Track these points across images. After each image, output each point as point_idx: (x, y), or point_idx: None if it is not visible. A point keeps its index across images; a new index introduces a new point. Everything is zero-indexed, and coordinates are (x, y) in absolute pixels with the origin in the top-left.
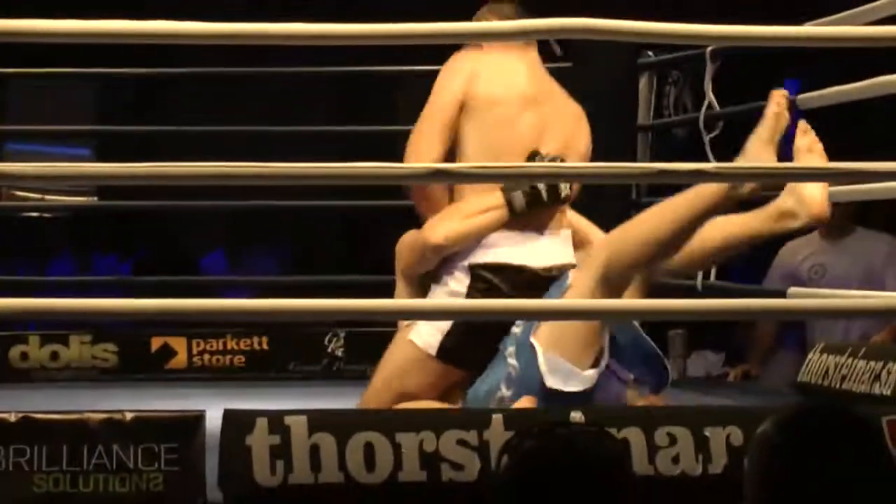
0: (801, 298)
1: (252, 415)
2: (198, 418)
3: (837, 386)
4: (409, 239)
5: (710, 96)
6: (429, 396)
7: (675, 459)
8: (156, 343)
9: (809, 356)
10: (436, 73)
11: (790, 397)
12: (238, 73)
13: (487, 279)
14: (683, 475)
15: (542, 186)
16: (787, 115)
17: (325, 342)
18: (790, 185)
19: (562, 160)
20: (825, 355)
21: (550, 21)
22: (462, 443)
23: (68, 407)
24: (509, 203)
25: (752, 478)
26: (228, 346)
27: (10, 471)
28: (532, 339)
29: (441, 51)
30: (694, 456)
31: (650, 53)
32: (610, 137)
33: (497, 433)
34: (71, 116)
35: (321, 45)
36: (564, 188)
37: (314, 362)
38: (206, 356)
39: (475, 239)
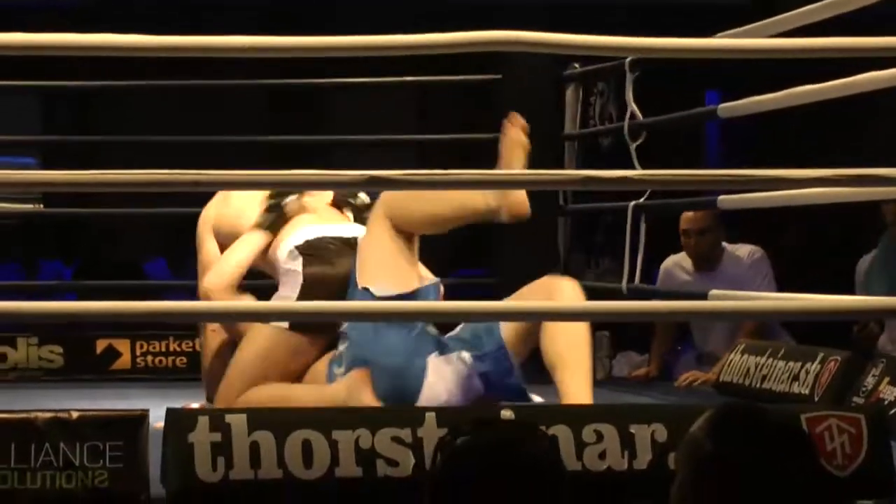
0: (722, 301)
1: (194, 413)
2: (141, 417)
3: (758, 385)
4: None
5: (633, 106)
6: (283, 379)
7: (602, 455)
8: (101, 345)
9: (730, 356)
10: (370, 85)
11: (711, 396)
12: (177, 86)
13: (310, 252)
14: (610, 470)
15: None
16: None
17: None
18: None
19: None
20: (746, 356)
21: (481, 34)
22: (397, 439)
23: (16, 406)
24: (259, 225)
25: (683, 482)
26: (171, 348)
27: None
28: (363, 285)
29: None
30: (620, 452)
31: (576, 65)
32: (537, 147)
33: (430, 430)
34: (17, 127)
35: (261, 57)
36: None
37: None
38: (150, 357)
39: (242, 267)
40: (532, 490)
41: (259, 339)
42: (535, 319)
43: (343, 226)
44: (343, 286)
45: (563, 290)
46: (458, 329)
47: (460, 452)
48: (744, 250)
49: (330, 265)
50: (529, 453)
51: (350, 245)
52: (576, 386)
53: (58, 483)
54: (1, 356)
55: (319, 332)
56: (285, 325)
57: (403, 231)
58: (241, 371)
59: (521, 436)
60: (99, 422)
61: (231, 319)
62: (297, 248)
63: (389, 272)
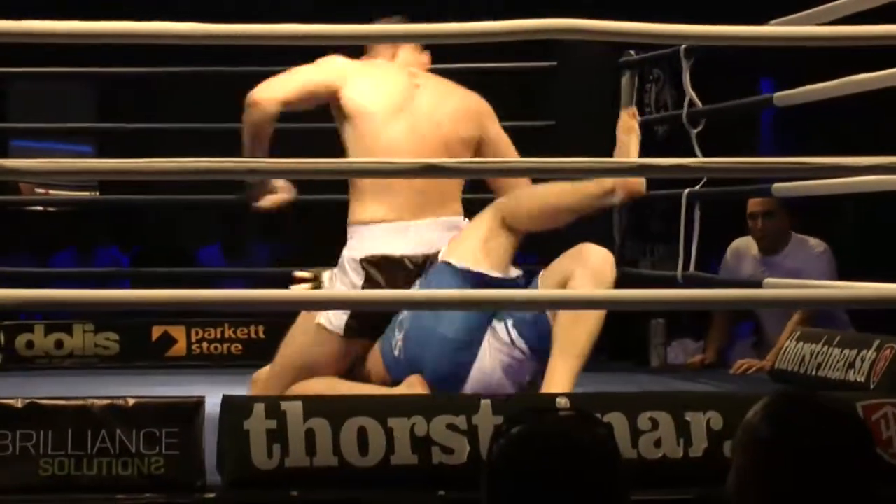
0: (777, 289)
1: (250, 400)
2: (197, 404)
3: (813, 373)
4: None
5: (691, 93)
6: (329, 372)
7: (657, 443)
8: (156, 332)
9: (786, 345)
10: None
11: (767, 384)
12: (235, 73)
13: (370, 273)
14: (665, 458)
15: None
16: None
17: None
18: None
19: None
20: (801, 343)
21: (538, 21)
22: (452, 427)
23: (73, 393)
24: None
25: (740, 470)
26: (226, 335)
27: (16, 455)
28: (444, 259)
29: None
30: (676, 440)
31: (632, 52)
32: (592, 134)
33: (485, 417)
34: (73, 114)
35: (315, 44)
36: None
37: None
38: (205, 344)
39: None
40: (589, 478)
41: (299, 334)
42: (588, 307)
43: (417, 236)
44: None
45: (590, 253)
46: None
47: (517, 441)
48: (811, 241)
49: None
50: (587, 441)
51: (419, 269)
52: (560, 373)
53: (114, 470)
54: (57, 343)
55: (370, 338)
56: (340, 331)
57: (514, 228)
58: (284, 364)
59: (579, 424)
60: (155, 409)
61: (288, 308)
62: (364, 261)
63: (477, 253)
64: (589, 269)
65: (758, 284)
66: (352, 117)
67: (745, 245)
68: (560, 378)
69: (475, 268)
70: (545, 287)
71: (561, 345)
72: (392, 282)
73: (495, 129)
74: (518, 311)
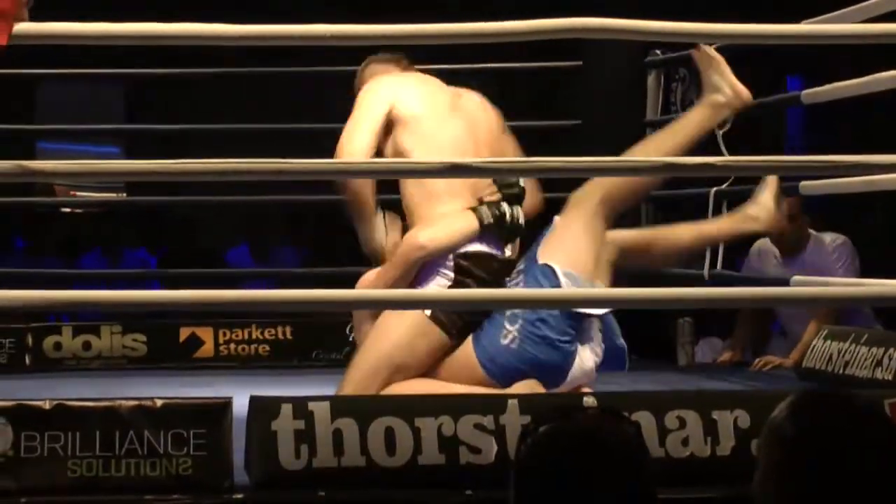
0: (801, 287)
1: (277, 401)
2: (225, 405)
3: (841, 371)
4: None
5: None
6: (422, 368)
7: (685, 442)
8: (184, 333)
9: (813, 343)
10: (450, 71)
11: (794, 382)
12: (261, 73)
13: (467, 268)
14: (692, 457)
15: (507, 212)
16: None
17: (347, 331)
18: (755, 196)
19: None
20: (829, 342)
21: (564, 21)
22: (479, 427)
23: (100, 395)
24: (480, 221)
25: (766, 469)
26: (254, 336)
27: (45, 456)
28: (544, 261)
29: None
30: (703, 438)
31: (658, 52)
32: (619, 133)
33: (513, 417)
34: (101, 116)
35: (339, 45)
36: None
37: (336, 350)
38: (233, 345)
39: (452, 246)
40: (617, 477)
41: (403, 324)
42: (626, 306)
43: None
44: None
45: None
46: None
47: (545, 440)
48: (828, 237)
49: (480, 286)
50: (617, 440)
51: (510, 267)
52: None
53: (142, 471)
54: (85, 344)
55: (461, 335)
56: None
57: (616, 209)
58: (380, 355)
59: (606, 422)
60: (183, 410)
61: (316, 309)
62: (458, 257)
63: (577, 255)
64: None
65: (784, 282)
66: (408, 123)
67: (768, 245)
68: None
69: (577, 273)
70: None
71: None
72: (487, 277)
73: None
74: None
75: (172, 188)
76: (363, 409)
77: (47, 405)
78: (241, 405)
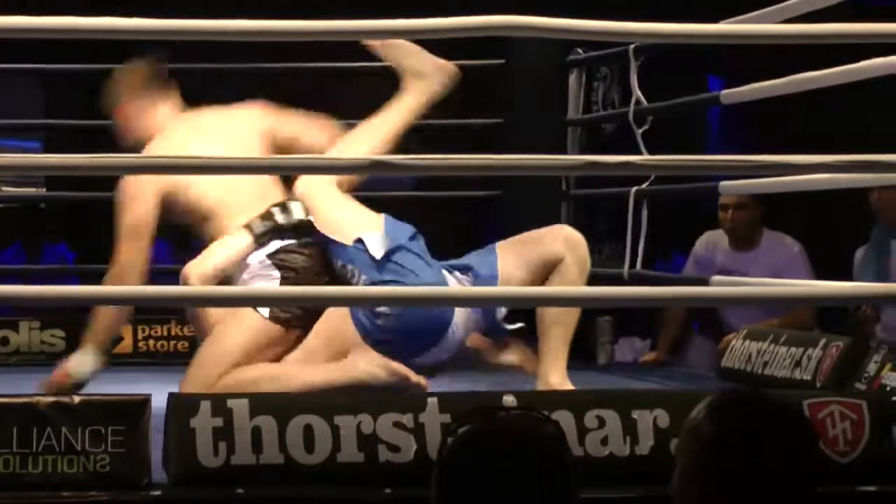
0: (721, 287)
1: (196, 398)
2: (143, 402)
3: (760, 371)
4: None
5: (638, 92)
6: (262, 360)
7: (604, 441)
8: None
9: (733, 342)
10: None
11: (714, 382)
12: (183, 69)
13: (283, 263)
14: (612, 456)
15: (279, 217)
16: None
17: None
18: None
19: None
20: (748, 341)
21: (487, 18)
22: (398, 425)
23: (18, 391)
24: (252, 233)
25: (684, 468)
26: (173, 332)
27: None
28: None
29: None
30: (622, 437)
31: (580, 50)
32: (540, 132)
33: (432, 415)
34: (20, 111)
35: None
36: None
37: None
38: (151, 341)
39: (230, 266)
40: (540, 477)
41: (243, 327)
42: (540, 304)
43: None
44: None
45: (577, 240)
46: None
47: (467, 440)
48: (787, 240)
49: (305, 273)
50: (539, 439)
51: (311, 239)
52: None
53: (59, 467)
54: (3, 340)
55: (301, 327)
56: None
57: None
58: (225, 356)
59: (527, 422)
60: (101, 406)
61: (230, 304)
62: (269, 257)
63: (356, 219)
64: (578, 257)
65: (704, 282)
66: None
67: (718, 237)
68: (558, 367)
69: (379, 237)
70: (506, 259)
71: (553, 332)
72: (306, 263)
73: None
74: (482, 307)
75: (92, 183)
76: (282, 406)
77: None
78: (159, 402)
